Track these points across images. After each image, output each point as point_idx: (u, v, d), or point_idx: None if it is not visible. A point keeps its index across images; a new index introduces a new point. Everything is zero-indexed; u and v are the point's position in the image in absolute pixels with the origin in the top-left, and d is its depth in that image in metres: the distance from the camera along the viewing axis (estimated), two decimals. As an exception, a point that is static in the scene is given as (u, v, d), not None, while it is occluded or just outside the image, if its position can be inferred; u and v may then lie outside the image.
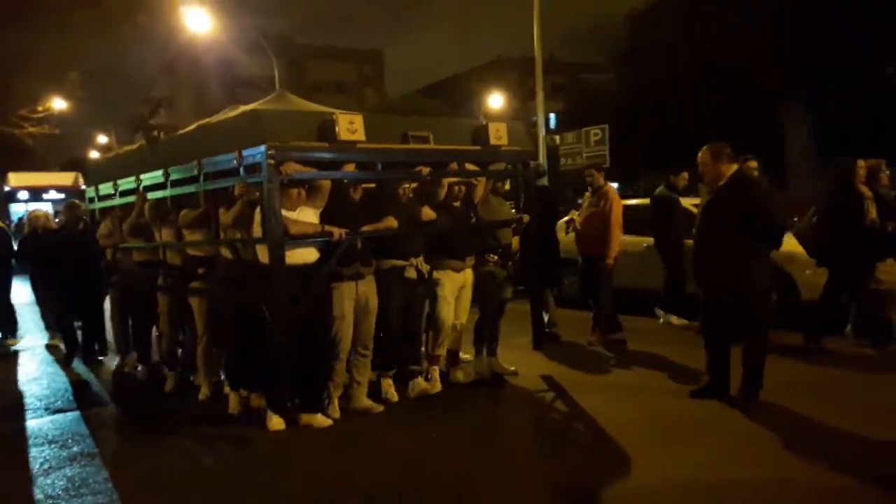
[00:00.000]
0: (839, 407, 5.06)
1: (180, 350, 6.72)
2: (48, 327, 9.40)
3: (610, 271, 7.24)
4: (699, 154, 5.25)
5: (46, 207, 25.78)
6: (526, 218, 6.37)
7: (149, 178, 6.41)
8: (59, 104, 25.89)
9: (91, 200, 7.92)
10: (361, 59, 49.31)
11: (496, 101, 31.87)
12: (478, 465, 4.39)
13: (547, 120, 20.05)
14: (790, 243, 7.93)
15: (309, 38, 51.00)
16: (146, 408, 6.14)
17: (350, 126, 5.09)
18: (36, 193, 30.80)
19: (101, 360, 7.96)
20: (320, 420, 5.16)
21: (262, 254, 5.07)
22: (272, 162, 4.77)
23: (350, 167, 5.34)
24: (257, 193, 5.11)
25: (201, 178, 5.58)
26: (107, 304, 7.95)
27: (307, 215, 5.15)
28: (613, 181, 30.86)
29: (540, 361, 6.65)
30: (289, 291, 4.95)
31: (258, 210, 5.05)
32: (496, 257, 6.20)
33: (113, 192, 7.21)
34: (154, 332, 7.07)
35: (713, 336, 5.30)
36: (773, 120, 24.42)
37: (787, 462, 4.16)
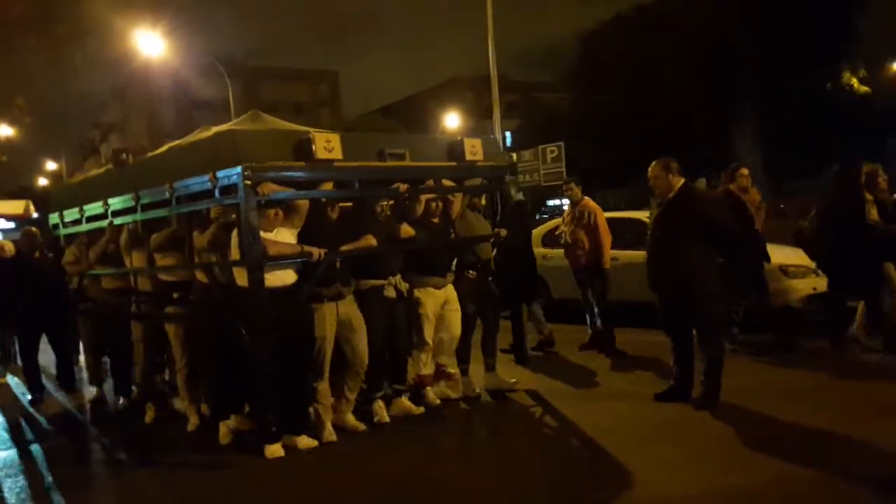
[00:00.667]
0: (816, 407, 5.15)
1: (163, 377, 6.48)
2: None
3: (607, 276, 7.47)
4: (650, 168, 5.44)
5: (-3, 237, 24.88)
6: (503, 232, 6.34)
7: (117, 202, 6.22)
8: (4, 130, 25.13)
9: (55, 227, 7.64)
10: (317, 79, 49.12)
11: (453, 120, 32.02)
12: (468, 485, 4.33)
13: (503, 138, 20.21)
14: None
15: (263, 60, 50.53)
16: (130, 440, 5.90)
17: (327, 145, 5.01)
18: (-16, 222, 29.69)
19: (75, 391, 7.65)
20: (305, 441, 5.03)
21: (240, 276, 4.94)
22: (248, 182, 4.66)
23: (327, 186, 5.25)
24: (233, 215, 4.99)
25: (174, 201, 5.42)
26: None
27: (285, 236, 5.04)
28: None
29: (523, 376, 6.59)
30: (268, 314, 4.82)
31: (235, 232, 4.92)
32: (474, 273, 6.17)
33: (79, 217, 6.96)
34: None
35: (675, 340, 5.46)
36: (722, 135, 25.05)
37: (763, 463, 4.21)
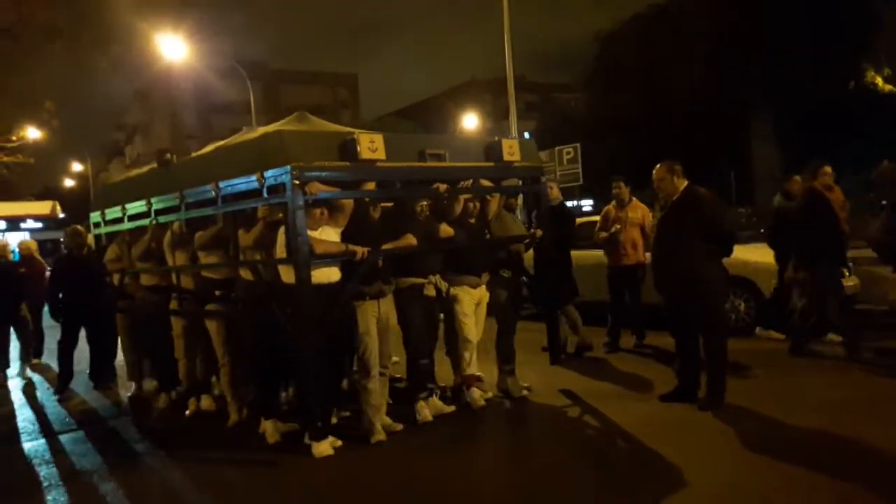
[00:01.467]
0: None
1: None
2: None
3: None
4: (655, 171, 5.51)
5: (24, 236, 25.30)
6: (539, 233, 6.37)
7: (161, 201, 6.31)
8: (33, 133, 25.46)
9: (97, 225, 7.77)
10: (336, 82, 49.32)
11: (471, 121, 32.05)
12: (508, 487, 4.37)
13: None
14: (753, 253, 8.27)
15: (282, 63, 50.79)
16: (171, 433, 5.99)
17: (371, 145, 5.07)
18: (13, 223, 30.18)
19: (110, 387, 7.80)
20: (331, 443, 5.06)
21: (287, 274, 5.00)
22: (297, 182, 4.72)
23: (370, 186, 5.31)
24: (280, 214, 5.06)
25: (219, 200, 5.49)
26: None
27: (329, 234, 5.10)
28: (587, 198, 31.24)
29: (558, 377, 6.61)
30: (314, 310, 4.88)
31: (282, 231, 4.99)
32: (509, 272, 6.20)
33: (121, 216, 7.07)
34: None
35: (679, 341, 5.50)
36: (739, 135, 24.87)
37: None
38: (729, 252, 5.43)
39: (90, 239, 8.18)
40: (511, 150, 6.00)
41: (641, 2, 27.75)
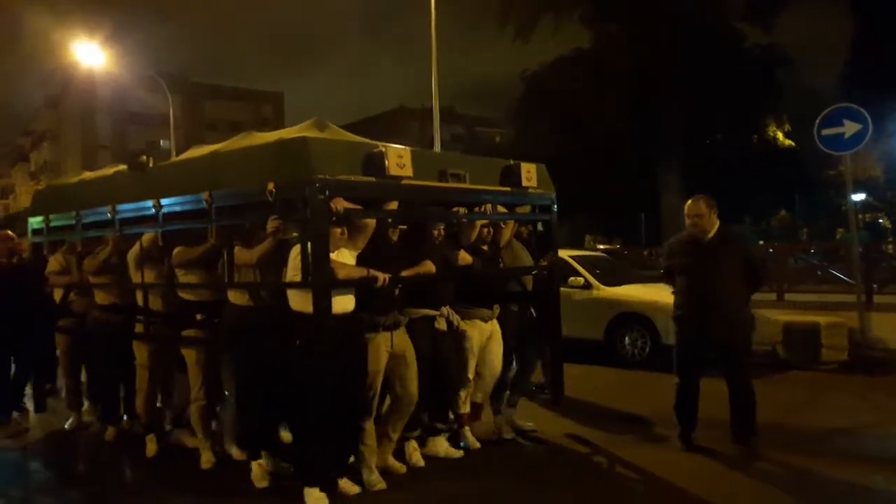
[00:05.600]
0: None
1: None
2: None
3: None
4: (694, 205, 5.09)
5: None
6: (546, 263, 5.78)
7: (131, 209, 5.32)
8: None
9: (37, 232, 6.56)
10: (261, 100, 47.46)
11: (398, 148, 31.36)
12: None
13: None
14: (653, 292, 8.47)
15: (207, 77, 48.51)
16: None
17: (399, 160, 4.36)
18: None
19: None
20: (346, 486, 4.34)
21: (298, 300, 4.19)
22: (322, 196, 3.95)
23: (392, 205, 4.58)
24: (295, 233, 4.26)
25: (213, 211, 4.61)
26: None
27: (346, 257, 4.33)
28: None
29: (546, 417, 6.02)
30: (332, 343, 4.09)
31: (295, 250, 4.18)
32: (517, 306, 5.59)
33: (73, 223, 5.97)
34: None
35: (692, 385, 5.15)
36: (650, 176, 25.44)
37: None
38: (757, 289, 5.27)
39: (25, 245, 6.96)
40: (529, 176, 5.42)
41: (566, 45, 28.14)
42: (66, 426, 6.20)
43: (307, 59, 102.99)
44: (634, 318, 8.59)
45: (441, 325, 4.98)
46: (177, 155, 8.50)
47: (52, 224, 6.39)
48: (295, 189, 4.05)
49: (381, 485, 4.42)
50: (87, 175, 6.53)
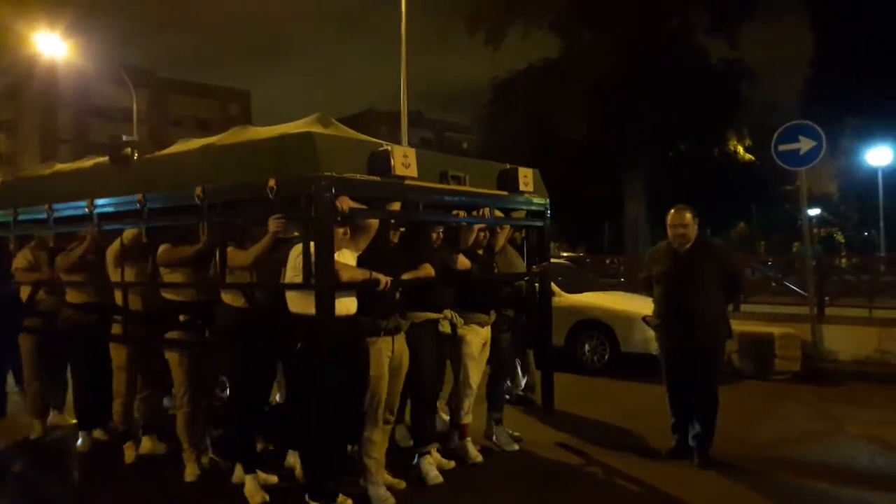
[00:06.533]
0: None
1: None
2: None
3: None
4: (679, 215, 5.00)
5: None
6: (539, 269, 5.64)
7: (111, 204, 4.99)
8: None
9: (4, 226, 6.14)
10: (228, 97, 46.49)
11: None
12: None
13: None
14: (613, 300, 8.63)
15: (174, 73, 47.26)
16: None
17: (404, 160, 4.15)
18: None
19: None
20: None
21: (296, 302, 3.95)
22: (328, 194, 3.72)
23: (395, 206, 4.37)
24: (296, 232, 4.02)
25: (205, 208, 4.33)
26: None
27: (347, 258, 4.10)
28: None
29: (534, 426, 5.86)
30: (336, 347, 3.86)
31: (296, 250, 3.94)
32: (513, 312, 5.42)
33: (45, 217, 5.59)
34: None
35: (682, 396, 5.10)
36: (614, 186, 25.67)
37: None
38: (736, 298, 5.08)
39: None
40: (526, 180, 5.26)
41: (536, 53, 28.22)
42: (31, 436, 5.77)
43: (275, 59, 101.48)
44: (594, 326, 8.61)
45: (445, 327, 4.78)
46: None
47: (21, 218, 5.97)
48: (299, 186, 3.82)
49: (390, 501, 4.18)
50: (62, 167, 6.14)
